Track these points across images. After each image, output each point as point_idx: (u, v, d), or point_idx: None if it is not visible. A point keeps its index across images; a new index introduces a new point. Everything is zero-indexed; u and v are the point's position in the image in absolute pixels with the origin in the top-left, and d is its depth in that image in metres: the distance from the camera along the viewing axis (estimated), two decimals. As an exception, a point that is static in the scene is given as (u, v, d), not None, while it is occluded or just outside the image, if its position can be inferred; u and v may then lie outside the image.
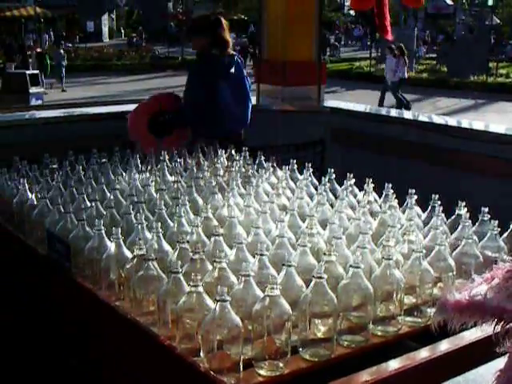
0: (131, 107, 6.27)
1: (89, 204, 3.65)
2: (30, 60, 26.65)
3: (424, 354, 2.56)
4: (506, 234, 3.28)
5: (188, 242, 2.99)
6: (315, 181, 4.16)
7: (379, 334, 2.80)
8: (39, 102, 19.48)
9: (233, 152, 4.66)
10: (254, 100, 7.93)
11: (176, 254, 2.95)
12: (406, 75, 22.42)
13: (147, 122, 5.80)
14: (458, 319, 2.18)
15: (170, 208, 3.56)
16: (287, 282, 2.65)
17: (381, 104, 21.61)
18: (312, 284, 2.58)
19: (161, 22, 46.79)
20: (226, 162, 4.49)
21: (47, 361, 3.64)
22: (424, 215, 3.65)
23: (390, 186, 3.77)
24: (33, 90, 19.93)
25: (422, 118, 7.46)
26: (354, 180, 3.99)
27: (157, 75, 31.46)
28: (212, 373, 2.32)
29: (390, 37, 6.91)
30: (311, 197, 3.88)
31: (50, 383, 3.63)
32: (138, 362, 2.77)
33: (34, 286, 3.72)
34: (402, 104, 21.40)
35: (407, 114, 7.48)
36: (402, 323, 2.85)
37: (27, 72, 20.94)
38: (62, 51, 26.95)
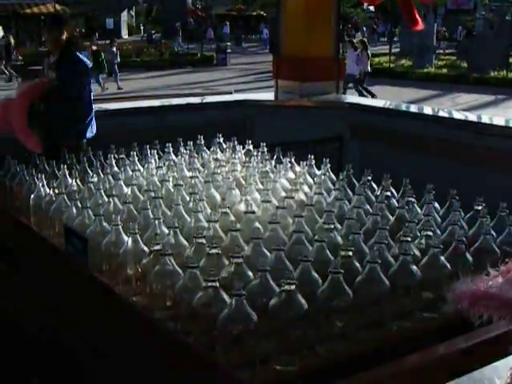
0: (151, 103, 6.27)
1: (106, 199, 3.66)
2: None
3: (441, 349, 2.55)
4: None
5: (205, 237, 2.99)
6: (333, 176, 4.15)
7: (396, 329, 2.78)
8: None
9: (250, 147, 4.66)
10: (271, 96, 7.95)
11: (193, 249, 2.95)
12: (369, 69, 22.88)
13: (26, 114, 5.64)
14: (472, 311, 2.16)
15: (187, 203, 3.56)
16: (304, 278, 2.64)
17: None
18: (328, 279, 2.57)
19: (180, 18, 46.81)
20: (244, 158, 4.49)
21: (58, 356, 3.65)
22: (442, 211, 3.63)
23: (408, 181, 3.75)
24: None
25: (442, 113, 7.42)
26: (371, 175, 3.98)
27: (176, 71, 31.50)
28: (228, 367, 2.31)
29: (420, 27, 6.81)
30: (329, 192, 3.87)
31: (64, 375, 3.65)
32: (155, 357, 2.77)
33: (52, 280, 3.73)
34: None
35: (427, 110, 7.42)
36: (419, 319, 2.84)
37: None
38: (114, 49, 26.88)
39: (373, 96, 21.73)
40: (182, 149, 4.56)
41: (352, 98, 7.87)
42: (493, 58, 27.03)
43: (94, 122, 6.09)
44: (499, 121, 6.36)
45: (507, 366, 2.11)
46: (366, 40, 23.21)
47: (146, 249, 3.05)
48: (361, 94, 21.87)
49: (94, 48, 25.74)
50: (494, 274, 2.28)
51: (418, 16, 6.62)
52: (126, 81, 27.56)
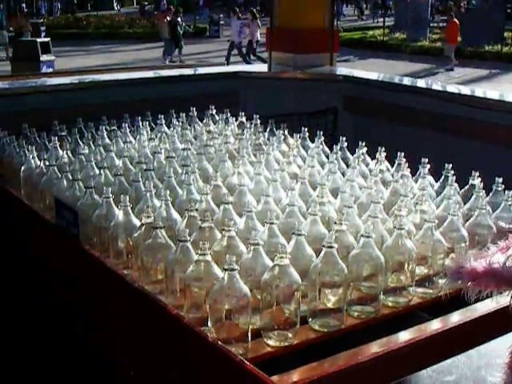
0: (142, 74, 6.22)
1: (97, 171, 3.62)
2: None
3: (435, 325, 2.53)
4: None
5: (197, 210, 2.96)
6: (327, 149, 4.12)
7: (390, 304, 2.77)
8: (50, 69, 19.43)
9: (243, 119, 4.61)
10: (265, 67, 7.90)
11: (185, 222, 2.92)
12: (259, 38, 23.82)
13: None
14: (472, 287, 2.14)
15: (179, 176, 3.52)
16: (297, 252, 2.61)
17: (227, 62, 22.90)
18: (322, 253, 2.54)
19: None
20: (237, 130, 4.45)
21: (51, 329, 3.63)
22: (437, 185, 3.61)
23: (403, 155, 3.72)
24: (44, 57, 19.88)
25: (436, 86, 7.37)
26: (365, 149, 3.95)
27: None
28: (220, 343, 2.29)
29: None
30: (322, 165, 3.84)
31: (53, 350, 3.63)
32: (145, 331, 2.75)
33: (42, 253, 3.70)
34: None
35: (420, 83, 7.37)
36: (414, 294, 2.82)
37: (38, 40, 20.85)
38: (179, 19, 26.54)
39: (264, 62, 22.55)
40: (174, 120, 4.52)
41: (346, 70, 7.79)
42: (488, 32, 26.95)
43: None
44: (494, 94, 6.32)
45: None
46: (254, 10, 24.93)
47: (137, 222, 3.01)
48: (246, 62, 23.45)
49: (169, 18, 25.56)
50: (493, 249, 2.26)
51: None
52: (117, 52, 27.44)
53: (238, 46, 24.08)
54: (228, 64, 21.12)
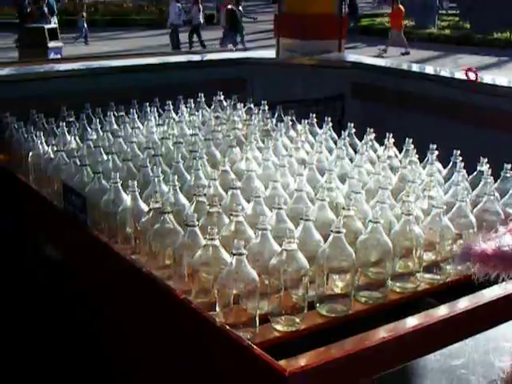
0: (150, 60, 6.21)
1: (105, 157, 3.62)
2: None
3: (443, 311, 2.52)
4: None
5: (205, 195, 2.96)
6: (335, 135, 4.11)
7: (398, 290, 2.76)
8: (58, 56, 19.41)
9: (251, 105, 4.61)
10: (273, 54, 7.88)
11: (193, 207, 2.92)
12: (202, 21, 26.04)
13: None
14: (480, 269, 2.13)
15: (188, 161, 3.52)
16: (305, 237, 2.61)
17: (175, 47, 24.78)
18: (330, 239, 2.54)
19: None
20: (245, 116, 4.45)
21: (57, 315, 3.64)
22: (445, 171, 3.60)
23: (411, 141, 3.71)
24: (51, 44, 19.86)
25: (444, 73, 7.34)
26: (374, 135, 3.94)
27: (177, 30, 31.21)
28: (228, 327, 2.29)
29: None
30: (330, 151, 3.83)
31: (59, 336, 3.64)
32: (153, 316, 2.75)
33: (50, 238, 3.71)
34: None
35: (429, 69, 7.33)
36: (421, 280, 2.82)
37: (46, 26, 20.81)
38: (240, 8, 26.43)
39: (204, 46, 24.77)
40: (182, 106, 4.52)
41: (354, 56, 7.77)
42: (497, 18, 26.80)
43: None
44: (503, 81, 6.29)
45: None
46: None
47: (145, 207, 3.01)
48: (190, 44, 25.34)
49: (230, 6, 25.54)
50: (502, 230, 2.25)
51: None
52: (124, 39, 27.39)
53: (176, 29, 25.31)
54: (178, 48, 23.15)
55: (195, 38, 25.78)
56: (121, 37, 28.08)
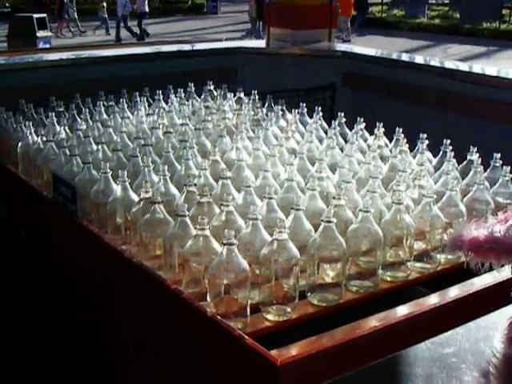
0: (140, 50, 6.19)
1: (95, 147, 3.61)
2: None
3: (434, 299, 2.53)
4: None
5: (195, 185, 2.95)
6: (325, 125, 4.11)
7: (388, 279, 2.77)
8: (47, 45, 19.35)
9: (242, 95, 4.60)
10: (263, 43, 7.87)
11: (183, 197, 2.91)
12: (147, 9, 26.98)
13: None
14: (472, 256, 2.13)
15: (178, 151, 3.51)
16: (295, 226, 2.60)
17: (118, 38, 26.17)
18: (321, 228, 2.54)
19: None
20: (235, 105, 4.44)
21: (48, 305, 3.64)
22: (435, 160, 3.60)
23: (401, 130, 3.71)
24: (40, 33, 19.80)
25: (434, 62, 7.34)
26: (364, 124, 3.94)
27: (166, 19, 31.14)
28: (218, 317, 2.29)
29: None
30: (321, 141, 3.83)
31: (51, 325, 3.64)
32: (144, 306, 2.75)
33: (39, 229, 3.70)
34: (137, 36, 26.40)
35: (419, 59, 7.34)
36: (412, 269, 2.82)
37: (34, 16, 20.73)
38: None
39: (143, 38, 25.42)
40: (172, 96, 4.51)
41: (344, 46, 7.77)
42: (485, 9, 26.85)
43: None
44: (493, 71, 6.30)
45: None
46: None
47: (135, 197, 3.00)
48: (133, 33, 26.50)
49: None
50: (492, 221, 2.25)
51: None
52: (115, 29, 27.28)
53: (122, 19, 26.31)
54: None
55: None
56: (111, 26, 27.92)
